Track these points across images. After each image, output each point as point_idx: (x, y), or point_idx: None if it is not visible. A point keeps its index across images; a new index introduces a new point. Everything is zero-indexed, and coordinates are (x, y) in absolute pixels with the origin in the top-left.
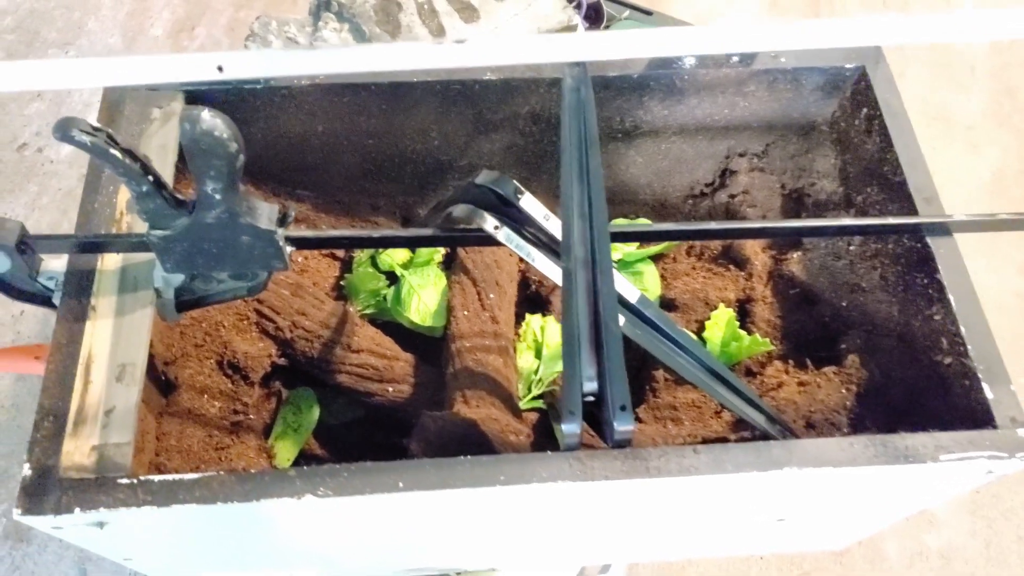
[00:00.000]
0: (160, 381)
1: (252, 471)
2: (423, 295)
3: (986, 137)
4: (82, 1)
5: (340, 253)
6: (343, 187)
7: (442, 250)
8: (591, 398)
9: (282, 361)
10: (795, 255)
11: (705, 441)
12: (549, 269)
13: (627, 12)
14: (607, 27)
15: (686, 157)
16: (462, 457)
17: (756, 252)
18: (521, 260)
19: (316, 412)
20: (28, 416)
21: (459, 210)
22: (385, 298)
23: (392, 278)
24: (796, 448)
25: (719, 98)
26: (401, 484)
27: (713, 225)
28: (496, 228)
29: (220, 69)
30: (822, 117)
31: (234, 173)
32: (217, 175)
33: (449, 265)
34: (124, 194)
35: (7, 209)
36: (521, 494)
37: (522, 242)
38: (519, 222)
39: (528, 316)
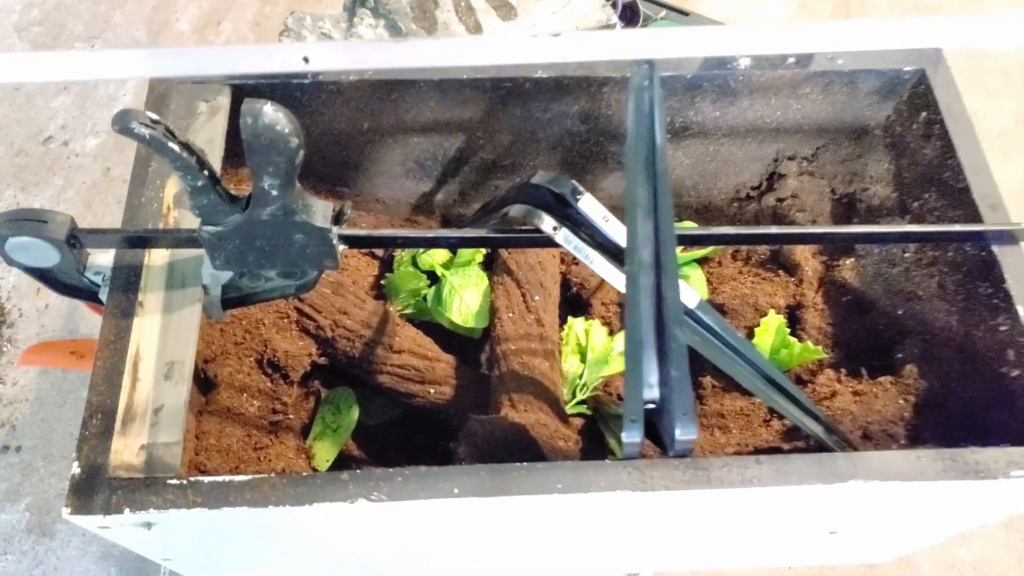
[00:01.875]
0: (199, 379)
1: (304, 474)
2: (464, 295)
3: (1017, 144)
4: None
5: (379, 252)
6: (384, 186)
7: (483, 250)
8: (651, 405)
9: (322, 360)
10: (847, 261)
11: (758, 450)
12: (608, 273)
13: (663, 12)
14: (644, 27)
15: (734, 159)
16: (518, 464)
17: (807, 258)
18: (562, 262)
19: (355, 413)
20: (52, 409)
21: (516, 210)
22: (425, 298)
23: (432, 278)
24: (861, 461)
25: (772, 100)
26: (457, 490)
27: (778, 230)
28: (555, 229)
29: (306, 60)
30: (875, 121)
31: (292, 169)
32: (275, 171)
33: (490, 266)
34: (171, 188)
35: (31, 202)
36: (577, 503)
37: (581, 244)
38: (576, 223)
39: (570, 319)
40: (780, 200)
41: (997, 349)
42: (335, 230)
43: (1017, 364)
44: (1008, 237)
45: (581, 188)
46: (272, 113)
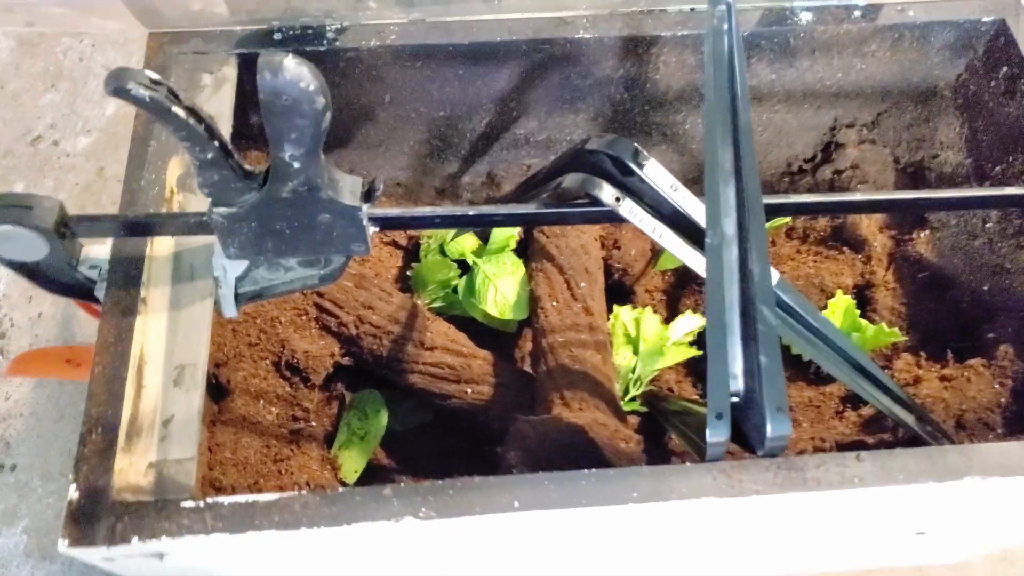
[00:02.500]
0: (211, 385)
1: (339, 490)
2: (500, 285)
3: None
4: None
5: (403, 241)
6: (406, 167)
7: (518, 235)
8: (735, 399)
9: (346, 361)
10: (921, 234)
11: (839, 445)
12: (680, 249)
13: None
14: None
15: (788, 128)
16: (585, 471)
17: (873, 232)
18: (603, 246)
19: (384, 417)
20: (48, 425)
21: (570, 180)
22: (455, 289)
23: (463, 267)
24: (976, 454)
25: (834, 60)
26: (517, 503)
27: (873, 196)
28: (618, 200)
29: None
30: (945, 81)
31: (319, 135)
32: (299, 138)
33: (524, 253)
34: (175, 169)
35: None
36: (655, 513)
37: (649, 217)
38: (638, 194)
39: (616, 308)
40: (838, 172)
41: None
42: (365, 209)
43: None
44: None
45: (645, 152)
46: (295, 67)
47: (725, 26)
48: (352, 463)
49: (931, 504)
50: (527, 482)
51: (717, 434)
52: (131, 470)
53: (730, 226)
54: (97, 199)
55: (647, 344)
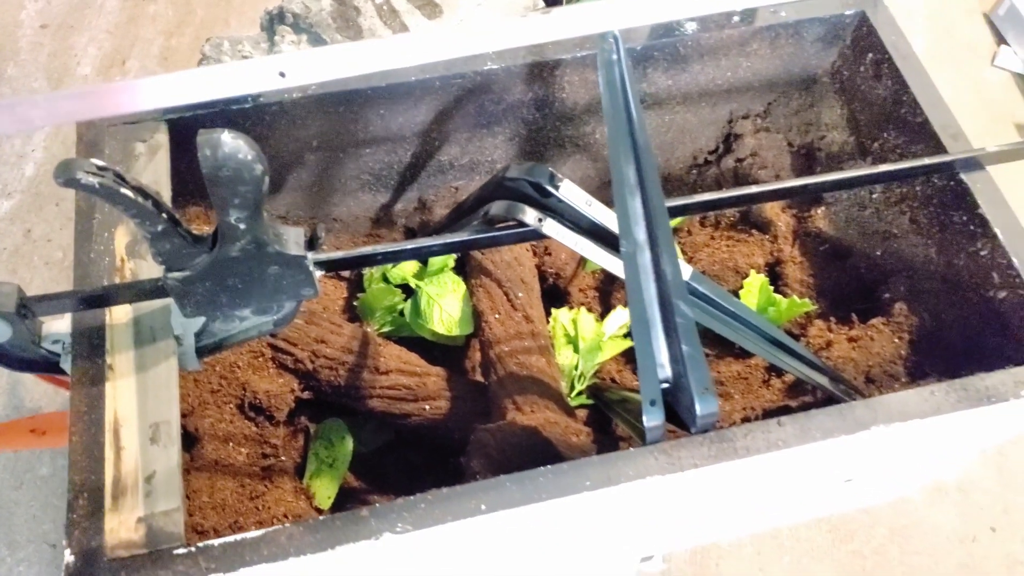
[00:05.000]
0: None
1: (320, 518)
2: (444, 304)
3: (935, 78)
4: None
5: (346, 273)
6: (340, 203)
7: (455, 256)
8: (666, 385)
9: (306, 395)
10: (818, 211)
11: (767, 412)
12: (600, 257)
13: None
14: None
15: (689, 126)
16: (542, 468)
17: (777, 214)
18: (535, 254)
19: (350, 443)
20: (8, 493)
21: (496, 208)
22: (402, 312)
23: (406, 291)
24: (879, 406)
25: (721, 61)
26: (484, 507)
27: (759, 188)
28: (540, 220)
29: (282, 75)
30: (822, 69)
31: (260, 198)
32: (242, 202)
33: (462, 270)
34: (122, 238)
35: None
36: (608, 497)
37: (568, 232)
38: (558, 212)
39: (554, 311)
40: (740, 160)
41: (981, 274)
42: (310, 256)
43: (1003, 285)
44: (975, 164)
45: (559, 175)
46: (232, 141)
47: (614, 56)
48: (325, 490)
49: (848, 454)
50: (491, 486)
51: (653, 418)
52: (121, 528)
53: (641, 233)
54: (28, 261)
55: (586, 342)
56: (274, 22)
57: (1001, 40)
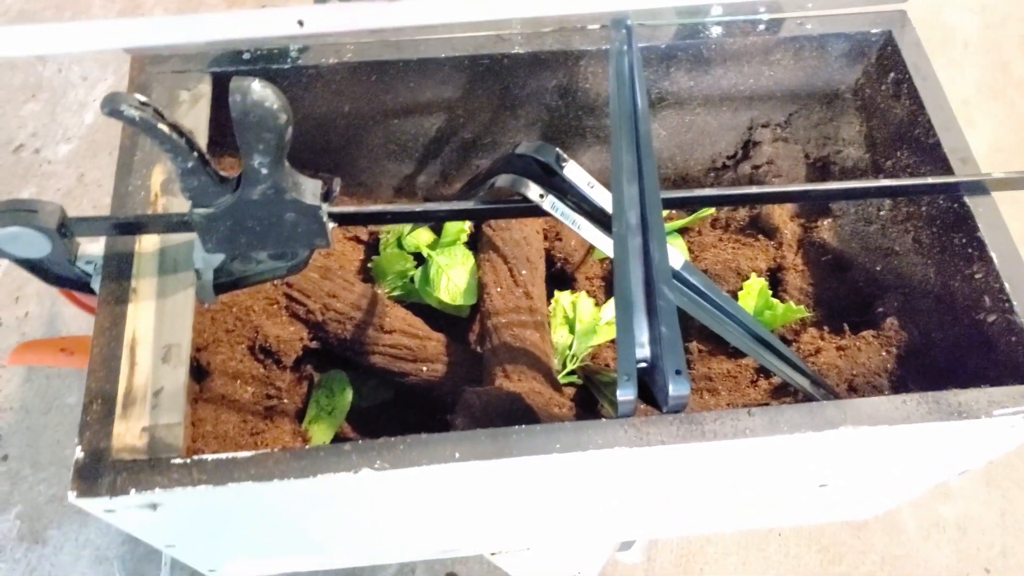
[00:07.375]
0: (192, 367)
1: (307, 447)
2: (452, 274)
3: (981, 111)
4: (73, 1)
5: (364, 236)
6: (366, 169)
7: (468, 229)
8: (643, 364)
9: (314, 344)
10: (825, 222)
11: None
12: (595, 237)
13: None
14: None
15: (709, 129)
16: (517, 427)
17: (785, 221)
18: (545, 238)
19: (349, 395)
20: (37, 417)
21: (502, 180)
22: (412, 279)
23: (419, 259)
24: (850, 408)
25: (744, 68)
26: (458, 455)
27: (759, 189)
28: (541, 196)
29: (301, 24)
30: (845, 84)
31: (283, 146)
32: (266, 148)
33: (475, 245)
34: (158, 176)
35: None
36: (576, 462)
37: (567, 210)
38: (562, 191)
39: (557, 293)
40: (756, 167)
41: (973, 297)
42: (325, 207)
43: (993, 309)
44: (980, 188)
45: (565, 156)
46: (260, 89)
47: (625, 47)
48: (321, 436)
49: (817, 453)
50: (467, 438)
51: (626, 392)
52: (128, 434)
53: (633, 217)
54: (79, 203)
55: (582, 324)
56: None
57: None
